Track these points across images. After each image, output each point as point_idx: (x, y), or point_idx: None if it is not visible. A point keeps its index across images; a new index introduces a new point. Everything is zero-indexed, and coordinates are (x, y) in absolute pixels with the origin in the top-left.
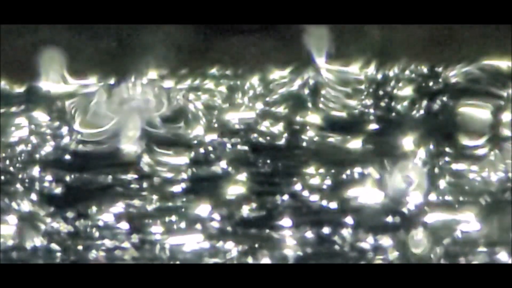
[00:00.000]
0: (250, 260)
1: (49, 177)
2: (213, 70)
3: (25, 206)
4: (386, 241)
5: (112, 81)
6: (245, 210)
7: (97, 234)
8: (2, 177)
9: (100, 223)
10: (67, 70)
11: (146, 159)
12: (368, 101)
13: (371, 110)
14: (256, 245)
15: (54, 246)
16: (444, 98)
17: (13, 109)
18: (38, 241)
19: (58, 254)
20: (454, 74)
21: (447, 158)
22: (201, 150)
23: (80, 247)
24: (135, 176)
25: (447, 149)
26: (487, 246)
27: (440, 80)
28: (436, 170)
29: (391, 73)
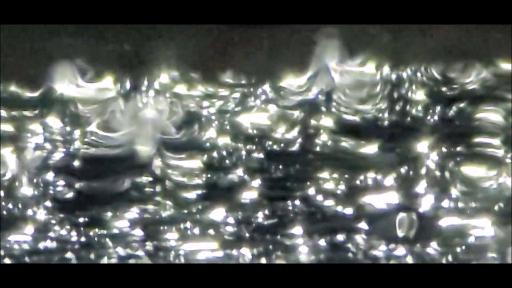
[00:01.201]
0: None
1: (62, 182)
2: (228, 77)
3: (39, 212)
4: (400, 248)
5: (127, 86)
6: (260, 216)
7: (110, 241)
8: (16, 184)
9: (115, 230)
10: (81, 75)
11: (158, 163)
12: (383, 105)
13: (386, 115)
14: (270, 251)
15: (68, 254)
16: (459, 104)
17: (28, 115)
18: (52, 247)
19: (71, 260)
20: (469, 79)
21: (461, 162)
22: (215, 155)
23: (93, 254)
24: (150, 179)
25: (461, 153)
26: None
27: (455, 85)
28: (449, 175)
29: (404, 75)
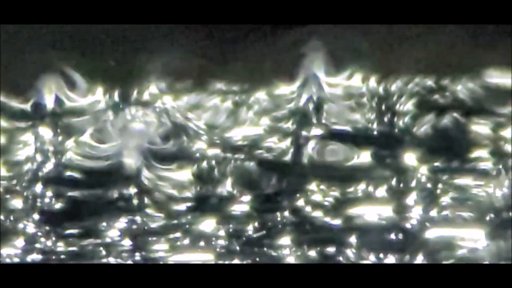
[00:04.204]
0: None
1: (50, 194)
2: (219, 86)
3: (29, 224)
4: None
5: (115, 97)
6: (249, 228)
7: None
8: (8, 196)
9: (108, 240)
10: (71, 88)
11: (146, 174)
12: (371, 116)
13: (375, 125)
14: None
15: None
16: (450, 114)
17: (20, 126)
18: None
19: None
20: (458, 89)
21: (451, 174)
22: (205, 165)
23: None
24: (136, 190)
25: (452, 165)
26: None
27: (446, 94)
28: (440, 185)
29: (393, 87)
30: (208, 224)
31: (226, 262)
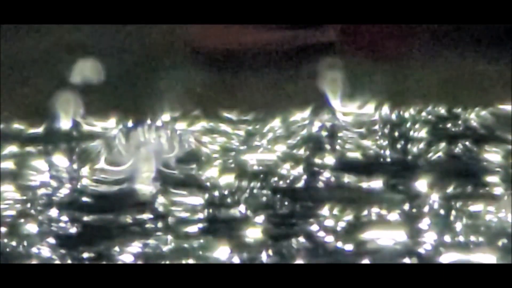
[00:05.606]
0: None
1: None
2: (230, 114)
3: (43, 248)
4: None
5: (129, 123)
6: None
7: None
8: (22, 220)
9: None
10: (85, 112)
11: (161, 199)
12: (384, 142)
13: (387, 152)
14: None
15: None
16: (462, 142)
17: (32, 151)
18: None
19: None
20: (471, 118)
21: (463, 200)
22: (216, 193)
23: None
24: (151, 216)
25: (464, 191)
26: None
27: (459, 122)
28: (453, 212)
29: (406, 115)
30: (221, 251)
31: (226, 262)
